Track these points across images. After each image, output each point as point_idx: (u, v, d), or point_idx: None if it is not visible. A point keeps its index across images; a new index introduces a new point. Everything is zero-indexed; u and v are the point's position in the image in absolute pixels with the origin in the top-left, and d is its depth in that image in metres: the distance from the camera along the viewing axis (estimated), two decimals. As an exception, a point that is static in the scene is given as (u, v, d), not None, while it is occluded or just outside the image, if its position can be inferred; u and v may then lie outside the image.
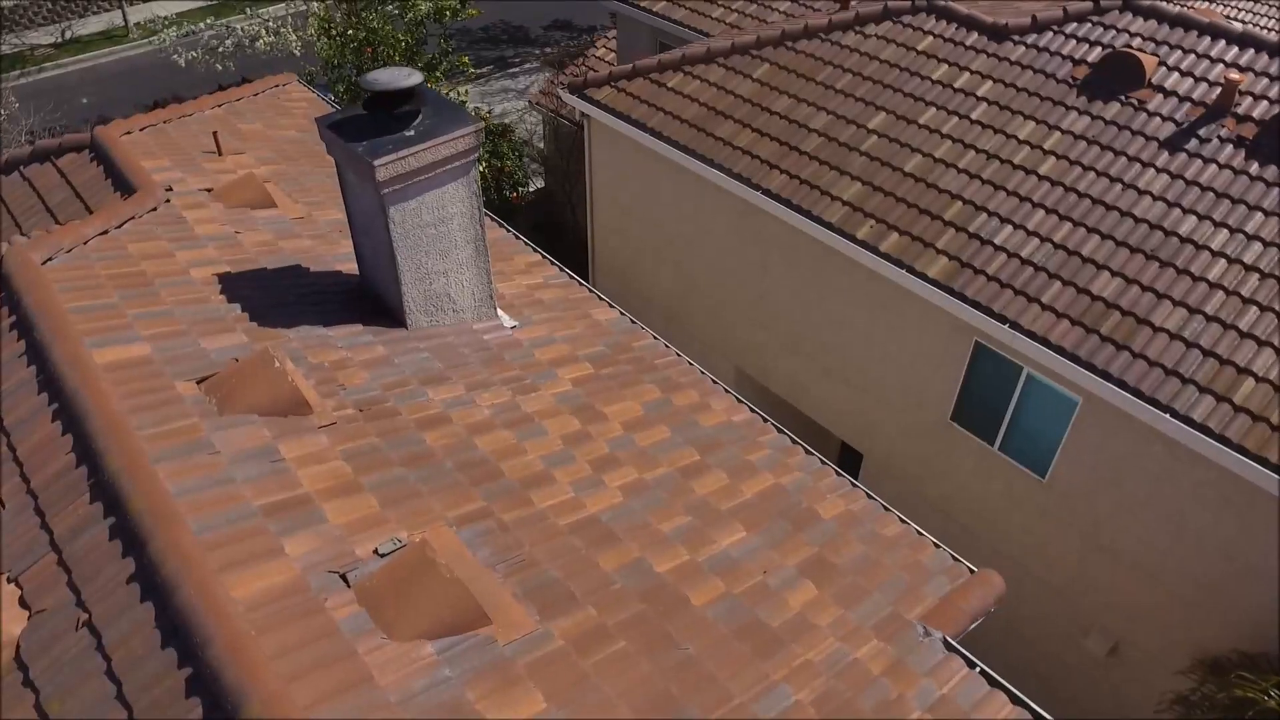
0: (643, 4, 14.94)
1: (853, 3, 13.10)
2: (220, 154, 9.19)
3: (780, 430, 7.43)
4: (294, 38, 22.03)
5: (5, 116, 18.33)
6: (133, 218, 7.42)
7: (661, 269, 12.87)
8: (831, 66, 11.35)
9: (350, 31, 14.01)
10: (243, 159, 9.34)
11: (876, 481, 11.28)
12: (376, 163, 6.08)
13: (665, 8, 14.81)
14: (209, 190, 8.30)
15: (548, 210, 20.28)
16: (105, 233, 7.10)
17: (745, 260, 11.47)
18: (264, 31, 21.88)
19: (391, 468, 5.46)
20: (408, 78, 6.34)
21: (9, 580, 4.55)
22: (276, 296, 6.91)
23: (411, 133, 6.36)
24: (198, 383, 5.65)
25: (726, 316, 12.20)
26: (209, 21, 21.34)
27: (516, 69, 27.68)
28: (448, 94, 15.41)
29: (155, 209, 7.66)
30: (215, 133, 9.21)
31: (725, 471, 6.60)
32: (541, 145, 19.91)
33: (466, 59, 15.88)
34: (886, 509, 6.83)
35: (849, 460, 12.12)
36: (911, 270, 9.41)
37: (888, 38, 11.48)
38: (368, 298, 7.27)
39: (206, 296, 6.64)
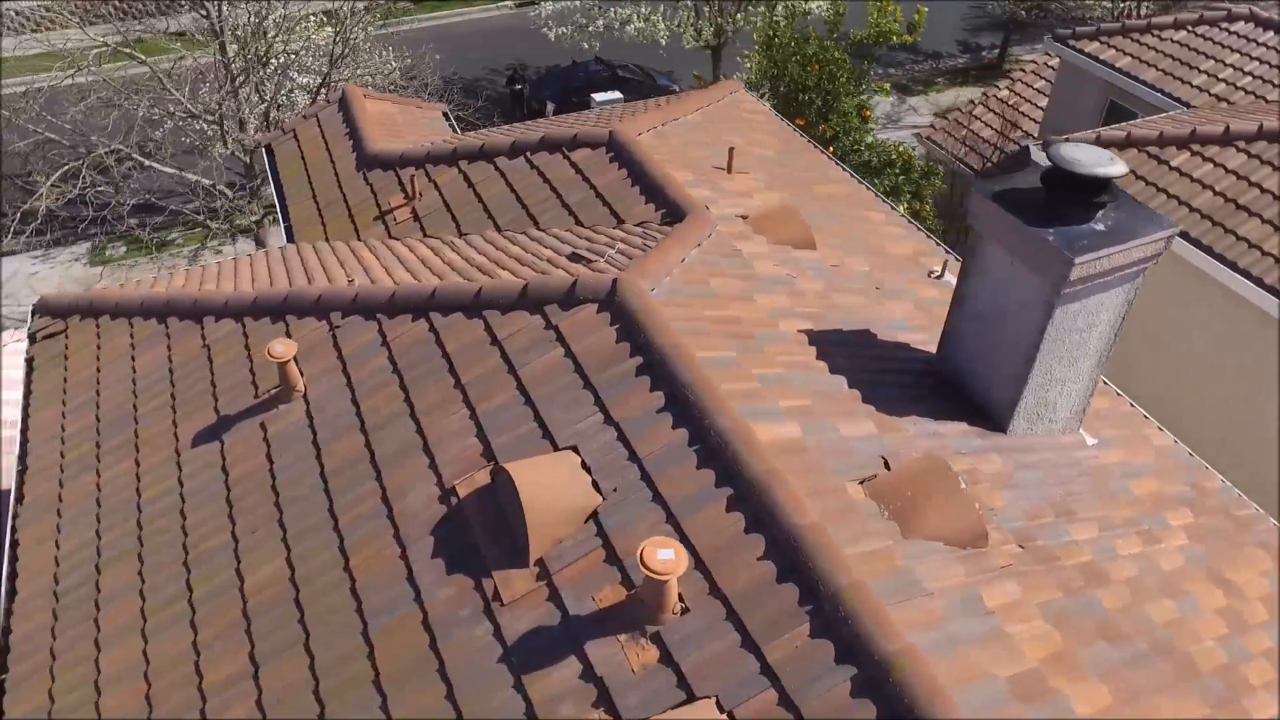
0: (1101, 56, 13.47)
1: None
2: (729, 171, 8.58)
3: None
4: (662, 27, 21.78)
5: (412, 66, 18.80)
6: (697, 245, 6.83)
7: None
8: (1396, 175, 9.68)
9: (794, 44, 13.31)
10: (747, 180, 8.69)
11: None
12: (1077, 260, 5.16)
13: (1130, 65, 13.25)
14: (744, 217, 7.66)
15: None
16: (683, 260, 6.53)
17: (1242, 388, 9.96)
18: (635, 17, 21.72)
19: (1090, 641, 4.55)
20: (1111, 163, 5.37)
21: (720, 709, 3.90)
22: (864, 370, 6.13)
23: (1101, 227, 5.40)
24: (860, 483, 4.91)
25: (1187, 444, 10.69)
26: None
27: (897, 89, 26.43)
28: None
29: (710, 235, 7.07)
30: (731, 149, 8.59)
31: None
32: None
33: (887, 87, 14.94)
34: None
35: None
36: None
37: None
38: (945, 384, 6.40)
39: (806, 359, 5.94)
